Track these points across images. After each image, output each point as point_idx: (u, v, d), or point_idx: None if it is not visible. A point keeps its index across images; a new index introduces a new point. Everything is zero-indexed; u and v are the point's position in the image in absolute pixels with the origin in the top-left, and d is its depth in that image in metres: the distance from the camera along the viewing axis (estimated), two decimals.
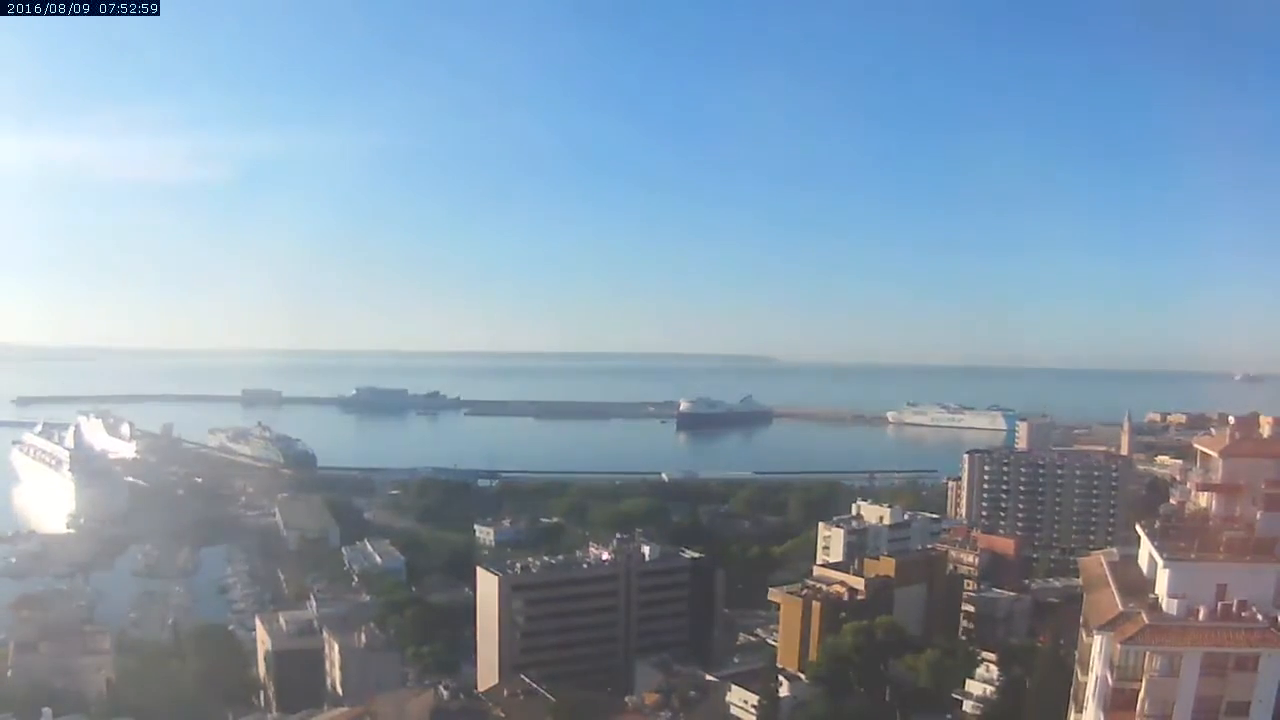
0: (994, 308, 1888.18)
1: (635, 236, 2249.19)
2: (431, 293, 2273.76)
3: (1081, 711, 52.15)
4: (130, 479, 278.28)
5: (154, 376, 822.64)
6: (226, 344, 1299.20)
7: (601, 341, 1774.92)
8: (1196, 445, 58.23)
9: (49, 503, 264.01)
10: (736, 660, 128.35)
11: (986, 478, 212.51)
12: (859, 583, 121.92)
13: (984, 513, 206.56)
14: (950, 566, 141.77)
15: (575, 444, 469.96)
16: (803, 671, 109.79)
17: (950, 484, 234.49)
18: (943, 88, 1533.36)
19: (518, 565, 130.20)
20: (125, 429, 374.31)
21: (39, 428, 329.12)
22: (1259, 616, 45.46)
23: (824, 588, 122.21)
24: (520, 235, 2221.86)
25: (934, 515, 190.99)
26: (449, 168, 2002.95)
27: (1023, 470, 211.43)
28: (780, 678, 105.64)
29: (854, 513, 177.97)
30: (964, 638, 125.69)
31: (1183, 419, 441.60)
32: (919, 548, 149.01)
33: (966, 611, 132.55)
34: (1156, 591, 48.47)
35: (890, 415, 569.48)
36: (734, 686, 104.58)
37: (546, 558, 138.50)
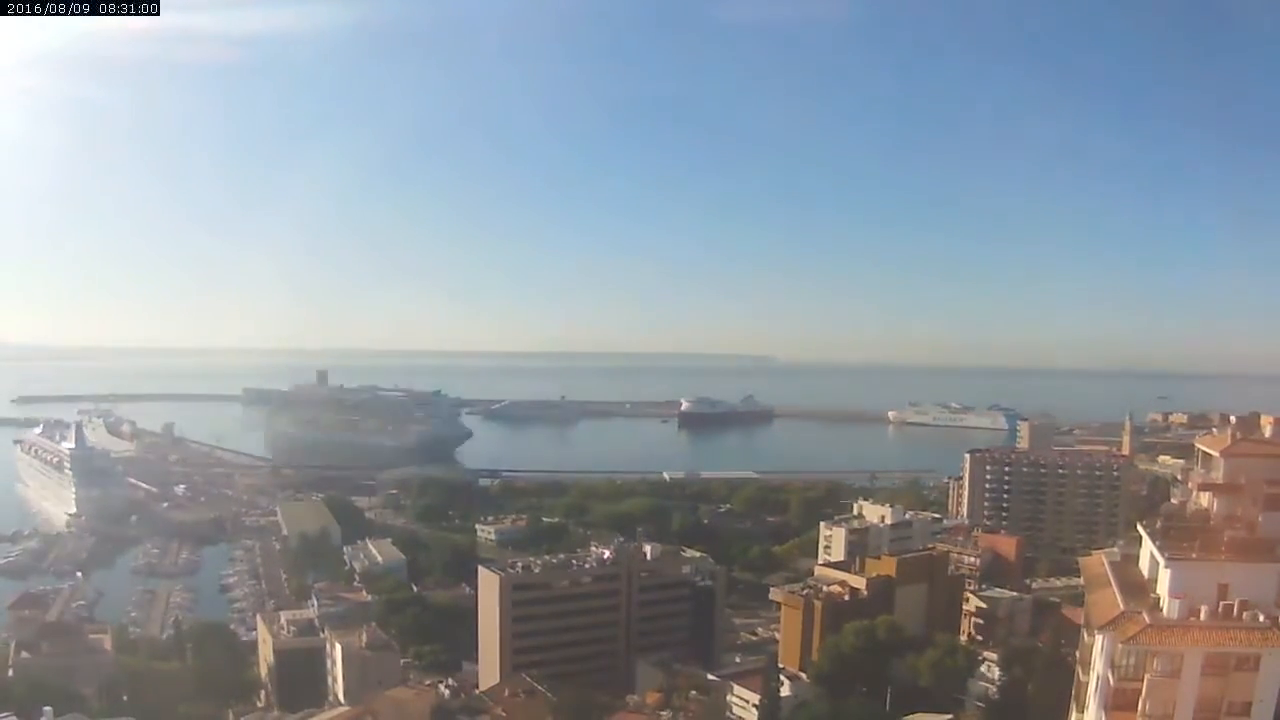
0: (995, 308, 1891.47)
1: (635, 236, 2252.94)
2: (432, 293, 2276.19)
3: (1083, 711, 52.08)
4: (131, 478, 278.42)
5: (155, 376, 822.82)
6: (228, 343, 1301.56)
7: (602, 341, 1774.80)
8: (1198, 445, 57.93)
9: (50, 502, 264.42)
10: (738, 660, 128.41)
11: (988, 477, 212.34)
12: (860, 582, 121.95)
13: (985, 512, 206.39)
14: (951, 566, 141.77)
15: (576, 443, 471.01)
16: (804, 671, 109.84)
17: (951, 483, 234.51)
18: (946, 87, 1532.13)
19: (519, 565, 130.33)
20: (126, 428, 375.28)
21: (40, 427, 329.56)
22: (1260, 616, 45.33)
23: (825, 587, 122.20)
24: (521, 235, 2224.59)
25: (935, 515, 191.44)
26: (450, 167, 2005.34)
27: (1024, 470, 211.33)
28: (782, 677, 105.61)
29: (855, 512, 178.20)
30: (966, 638, 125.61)
31: (1184, 419, 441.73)
32: (920, 547, 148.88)
33: (968, 611, 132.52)
34: (1158, 591, 48.36)
35: (891, 415, 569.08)
36: (735, 686, 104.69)
37: (548, 557, 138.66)
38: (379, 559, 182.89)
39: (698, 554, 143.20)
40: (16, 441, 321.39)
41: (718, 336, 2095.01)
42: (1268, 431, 53.77)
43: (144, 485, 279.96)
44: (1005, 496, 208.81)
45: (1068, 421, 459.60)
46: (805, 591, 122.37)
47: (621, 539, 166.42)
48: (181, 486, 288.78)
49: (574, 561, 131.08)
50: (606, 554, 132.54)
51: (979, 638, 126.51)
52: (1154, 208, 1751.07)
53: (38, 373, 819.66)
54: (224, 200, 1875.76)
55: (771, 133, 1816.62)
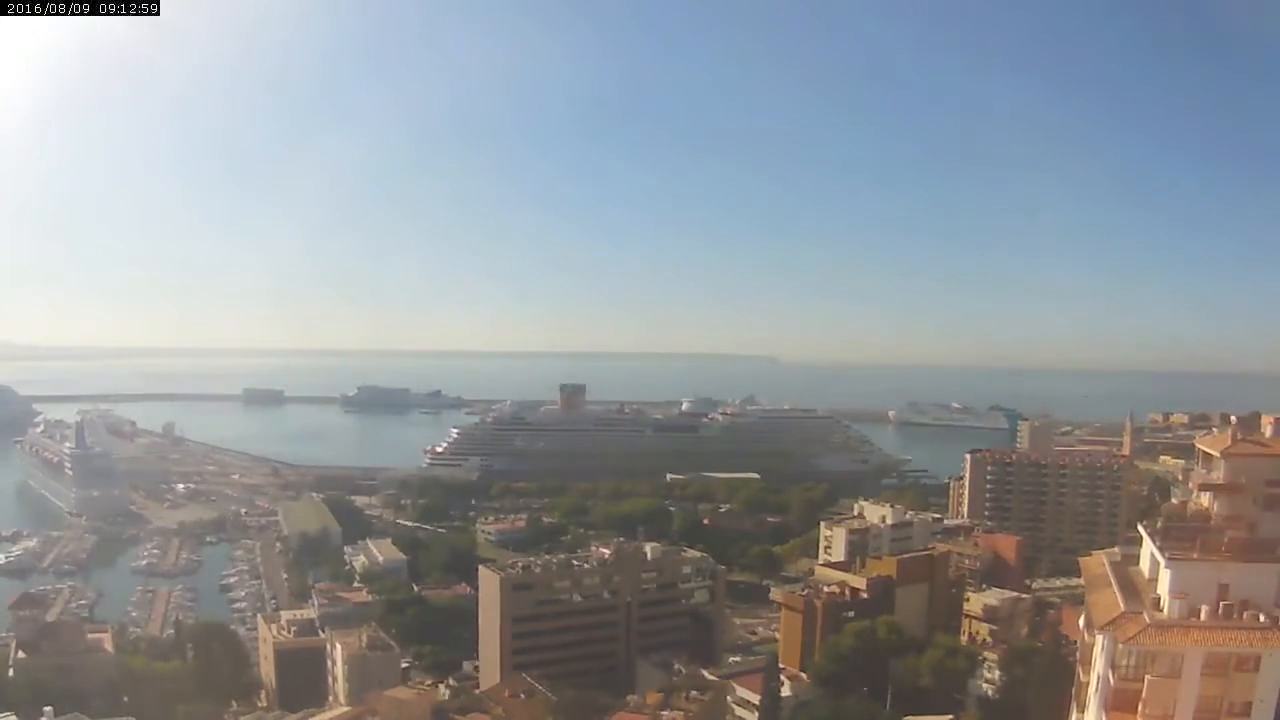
0: (996, 309, 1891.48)
1: (635, 236, 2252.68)
2: (432, 292, 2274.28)
3: (1083, 711, 52.03)
4: (131, 478, 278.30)
5: (155, 376, 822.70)
6: (227, 343, 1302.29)
7: (602, 341, 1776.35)
8: (1198, 445, 57.81)
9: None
10: (738, 659, 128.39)
11: (988, 477, 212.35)
12: (861, 582, 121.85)
13: (986, 512, 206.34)
14: (952, 566, 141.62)
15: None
16: (804, 671, 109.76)
17: (952, 483, 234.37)
18: (948, 88, 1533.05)
19: (519, 565, 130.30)
20: (126, 428, 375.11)
21: (40, 426, 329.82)
22: (1260, 616, 45.29)
23: (825, 587, 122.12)
24: (521, 234, 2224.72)
25: (936, 515, 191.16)
26: (450, 165, 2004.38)
27: (1024, 470, 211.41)
28: (782, 677, 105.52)
29: (856, 512, 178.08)
30: (966, 638, 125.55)
31: (1184, 419, 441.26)
32: (921, 547, 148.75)
33: (969, 611, 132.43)
34: (1158, 591, 48.28)
35: (891, 415, 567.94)
36: (736, 686, 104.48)
37: (548, 557, 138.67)
38: (379, 559, 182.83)
39: (698, 554, 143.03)
40: (17, 441, 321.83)
41: (721, 337, 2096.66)
42: (1268, 431, 53.62)
43: (144, 485, 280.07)
44: (1006, 496, 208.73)
45: (1068, 421, 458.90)
46: (805, 592, 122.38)
47: (622, 539, 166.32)
48: (181, 486, 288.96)
49: (574, 561, 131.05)
50: (606, 554, 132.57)
51: (979, 638, 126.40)
52: (1154, 208, 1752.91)
53: (37, 373, 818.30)
54: (224, 200, 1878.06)
55: (776, 134, 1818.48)
